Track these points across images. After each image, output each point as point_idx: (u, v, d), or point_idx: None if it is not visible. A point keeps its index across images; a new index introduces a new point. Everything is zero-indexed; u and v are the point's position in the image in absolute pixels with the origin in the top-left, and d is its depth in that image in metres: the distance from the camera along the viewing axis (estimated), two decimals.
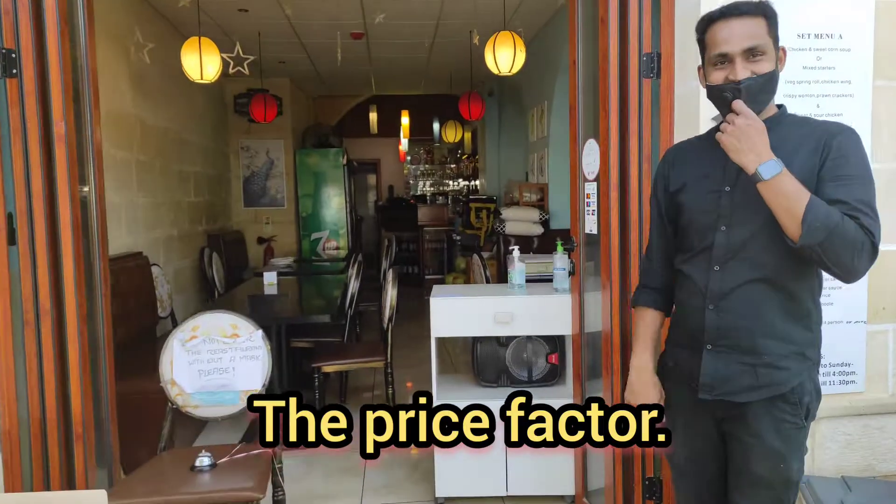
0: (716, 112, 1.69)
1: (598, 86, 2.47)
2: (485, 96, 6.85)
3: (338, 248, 8.05)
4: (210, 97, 6.82)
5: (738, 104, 1.40)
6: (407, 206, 10.09)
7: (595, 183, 2.51)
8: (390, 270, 3.83)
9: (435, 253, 9.85)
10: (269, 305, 4.05)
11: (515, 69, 4.28)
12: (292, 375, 4.53)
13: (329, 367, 3.61)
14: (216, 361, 2.31)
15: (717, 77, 1.48)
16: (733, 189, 1.50)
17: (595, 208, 2.50)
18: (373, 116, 9.80)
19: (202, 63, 3.74)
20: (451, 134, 8.02)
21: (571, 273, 2.67)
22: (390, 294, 3.75)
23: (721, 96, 1.48)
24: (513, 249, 2.99)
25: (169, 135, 5.30)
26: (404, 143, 10.96)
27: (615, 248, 2.37)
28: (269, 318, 3.64)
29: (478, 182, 10.67)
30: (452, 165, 13.40)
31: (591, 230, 2.55)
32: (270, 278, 4.51)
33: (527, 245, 5.62)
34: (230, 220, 7.66)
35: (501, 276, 5.55)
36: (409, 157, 13.06)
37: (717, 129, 1.54)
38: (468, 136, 9.88)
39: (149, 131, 4.80)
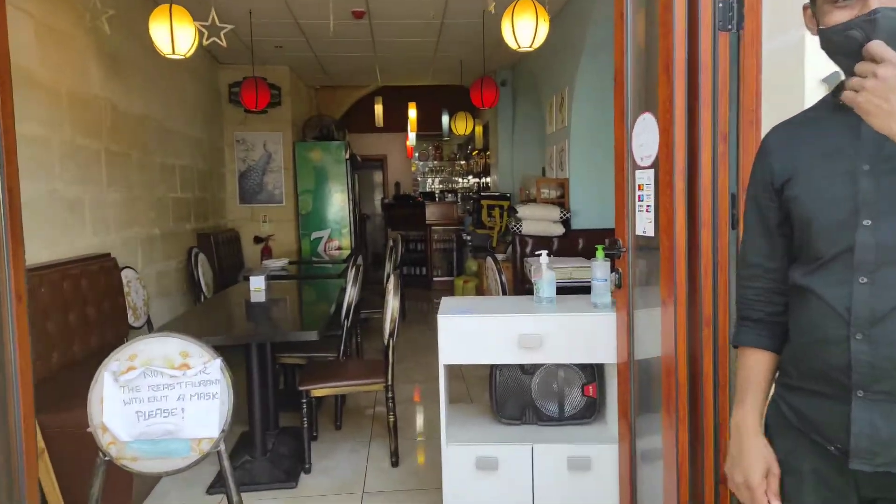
0: (827, 72, 1.18)
1: (655, 43, 1.92)
2: (498, 85, 6.33)
3: (340, 249, 7.51)
4: (201, 84, 6.31)
5: (877, 46, 0.92)
6: (414, 204, 9.55)
7: (651, 170, 1.95)
8: (392, 276, 3.28)
9: (444, 253, 9.31)
10: (250, 317, 3.51)
11: (537, 44, 3.73)
12: (282, 395, 4.00)
13: (319, 391, 3.07)
14: (160, 401, 1.77)
15: (839, 17, 1.00)
16: (875, 167, 1.02)
17: (651, 203, 1.95)
18: (378, 109, 9.25)
19: (173, 34, 3.21)
20: (462, 126, 7.45)
21: (617, 285, 2.11)
22: (392, 305, 3.21)
23: (845, 38, 0.99)
24: (540, 254, 2.42)
25: (148, 123, 4.78)
26: (412, 138, 10.42)
27: (681, 254, 1.82)
28: (241, 334, 3.09)
29: (489, 179, 10.11)
30: (462, 162, 12.85)
31: (644, 231, 2.00)
32: (257, 283, 3.97)
33: (545, 246, 5.06)
34: (224, 217, 7.14)
35: (517, 281, 5.00)
36: (416, 154, 12.53)
37: (835, 92, 1.09)
38: (479, 130, 9.31)
39: (122, 118, 4.28)
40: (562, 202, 5.26)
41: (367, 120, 12.19)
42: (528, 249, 5.09)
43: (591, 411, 2.33)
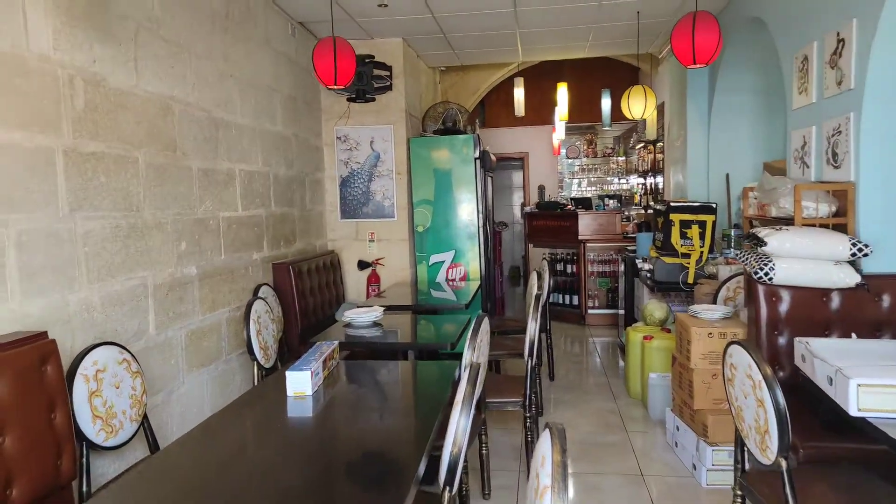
0: None
1: None
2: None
3: (466, 279, 5.67)
4: (287, 64, 4.74)
5: None
6: (563, 214, 7.48)
7: None
8: (551, 434, 1.30)
9: (602, 278, 7.16)
10: None
11: None
12: None
13: None
14: None
15: None
16: None
17: None
18: (518, 94, 7.30)
19: None
20: (638, 107, 5.25)
21: None
22: None
23: None
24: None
25: (179, 111, 3.21)
26: (560, 130, 8.33)
27: None
28: None
29: (661, 179, 7.78)
30: (620, 158, 10.53)
31: None
32: (298, 384, 2.21)
33: (818, 305, 2.83)
34: (322, 237, 5.59)
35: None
36: (564, 150, 10.42)
37: None
38: (653, 116, 7.02)
39: (113, 100, 2.71)
40: (843, 224, 2.98)
41: (503, 111, 10.31)
42: (782, 309, 2.87)
43: None
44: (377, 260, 5.73)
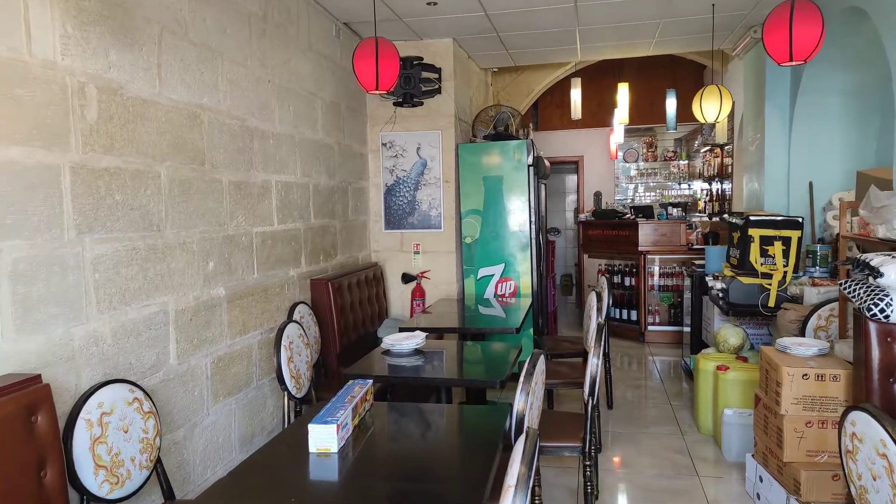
0: None
1: None
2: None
3: (515, 294, 5.30)
4: (329, 68, 4.48)
5: None
6: (621, 224, 7.00)
7: None
8: None
9: (664, 293, 6.65)
10: None
11: None
12: None
13: None
14: None
15: None
16: None
17: None
18: (575, 95, 6.87)
19: None
20: (713, 109, 4.74)
21: None
22: None
23: None
24: None
25: (207, 120, 2.97)
26: (618, 132, 7.85)
27: None
28: None
29: (729, 185, 7.20)
30: (682, 162, 9.92)
31: None
32: (322, 440, 1.90)
33: None
34: (366, 248, 5.31)
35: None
36: (621, 153, 9.88)
37: None
38: (722, 121, 6.46)
39: (135, 110, 2.47)
40: None
41: (557, 113, 9.87)
42: None
43: None
44: (422, 273, 5.41)
